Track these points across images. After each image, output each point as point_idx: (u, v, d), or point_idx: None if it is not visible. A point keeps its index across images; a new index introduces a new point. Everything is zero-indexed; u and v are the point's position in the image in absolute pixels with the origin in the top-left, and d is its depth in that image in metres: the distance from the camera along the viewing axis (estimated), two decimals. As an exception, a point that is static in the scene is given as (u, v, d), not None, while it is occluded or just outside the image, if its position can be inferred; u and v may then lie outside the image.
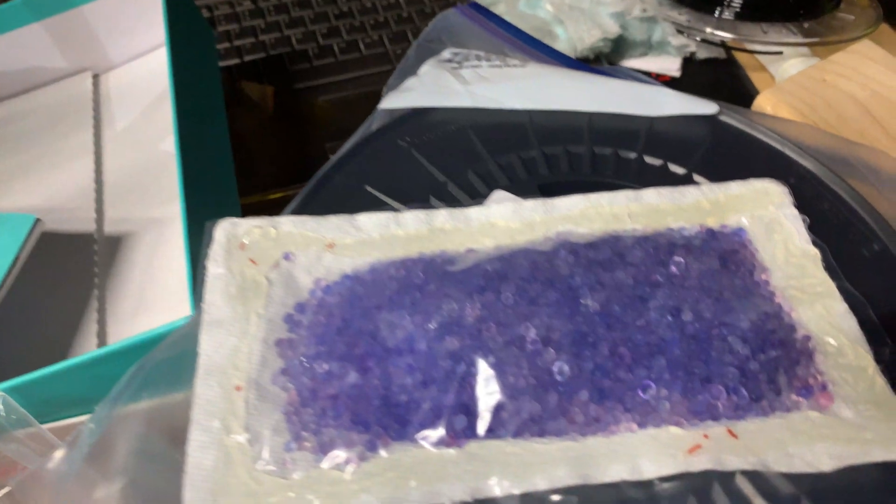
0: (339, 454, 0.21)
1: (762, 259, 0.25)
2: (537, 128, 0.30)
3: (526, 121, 0.30)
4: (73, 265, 0.39)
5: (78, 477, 0.23)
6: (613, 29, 0.55)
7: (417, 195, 0.27)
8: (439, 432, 0.21)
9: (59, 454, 0.23)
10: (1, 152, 0.44)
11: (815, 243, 0.25)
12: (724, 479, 0.21)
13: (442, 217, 0.26)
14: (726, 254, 0.24)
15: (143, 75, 0.46)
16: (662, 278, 0.23)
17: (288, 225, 0.25)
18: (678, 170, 0.28)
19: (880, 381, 0.22)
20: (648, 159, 0.29)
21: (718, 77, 0.56)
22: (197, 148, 0.37)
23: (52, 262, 0.39)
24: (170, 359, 0.24)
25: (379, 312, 0.23)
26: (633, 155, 0.29)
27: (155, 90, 0.45)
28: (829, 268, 0.24)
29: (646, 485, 0.21)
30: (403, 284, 0.24)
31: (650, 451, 0.20)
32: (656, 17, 0.55)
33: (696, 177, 0.28)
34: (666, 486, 0.21)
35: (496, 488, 0.20)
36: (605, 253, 0.24)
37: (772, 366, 0.22)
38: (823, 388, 0.22)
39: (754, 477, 0.21)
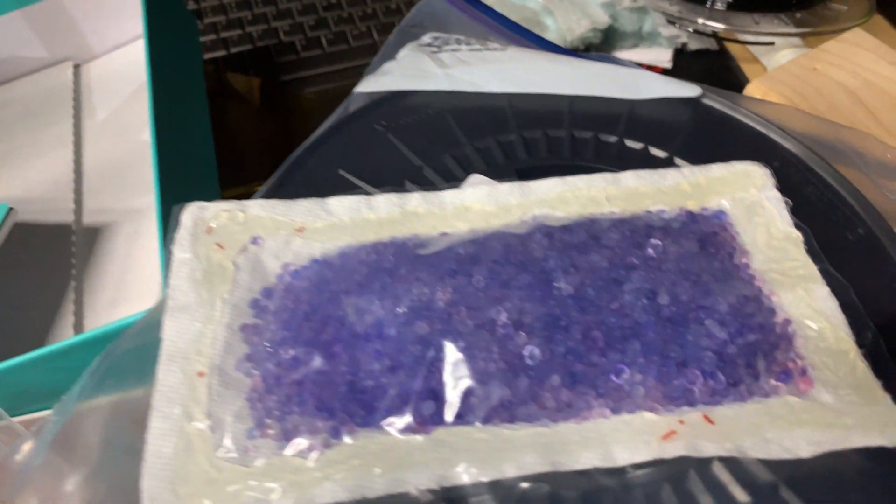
0: (302, 441, 0.20)
1: (743, 242, 0.24)
2: (517, 112, 0.29)
3: (505, 105, 0.29)
4: (50, 256, 0.38)
5: (43, 467, 0.22)
6: (603, 19, 0.54)
7: (392, 179, 0.27)
8: (406, 419, 0.20)
9: (26, 446, 0.23)
10: (-20, 143, 0.43)
11: (797, 226, 0.24)
12: (701, 466, 0.20)
13: (415, 200, 0.25)
14: (705, 236, 0.23)
15: (125, 65, 0.46)
16: (639, 261, 0.22)
17: (257, 209, 0.25)
18: (659, 153, 0.28)
19: (861, 366, 0.21)
20: (629, 143, 0.28)
21: (710, 68, 0.56)
22: (175, 139, 0.36)
23: (29, 253, 0.38)
24: (136, 347, 0.23)
25: (347, 297, 0.22)
26: (613, 139, 0.28)
27: (136, 80, 0.45)
28: (811, 251, 0.24)
29: (619, 472, 0.20)
30: (373, 269, 0.23)
31: (623, 437, 0.20)
32: (647, 7, 0.54)
33: (678, 160, 0.27)
34: (640, 473, 0.20)
35: (463, 475, 0.19)
36: (581, 236, 0.23)
37: (750, 350, 0.21)
38: (803, 372, 0.21)
39: (731, 464, 0.20)
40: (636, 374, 0.20)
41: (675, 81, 0.30)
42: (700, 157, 0.27)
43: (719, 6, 0.55)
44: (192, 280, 0.23)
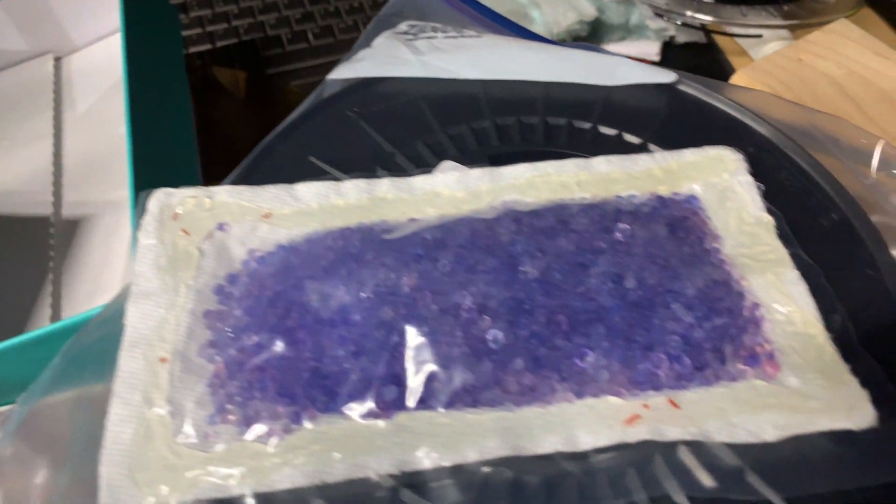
0: (263, 426, 0.20)
1: (714, 227, 0.24)
2: (491, 98, 0.29)
3: (479, 91, 0.29)
4: (28, 248, 0.38)
5: (9, 459, 0.22)
6: (590, 11, 0.54)
7: (364, 166, 0.26)
8: (368, 404, 0.20)
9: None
10: (-41, 136, 0.43)
11: (770, 211, 0.24)
12: (667, 450, 0.20)
13: (384, 186, 0.25)
14: (675, 221, 0.23)
15: (106, 58, 0.46)
16: (606, 245, 0.22)
17: (224, 195, 0.25)
18: (633, 139, 0.27)
19: (829, 350, 0.21)
20: (603, 129, 0.28)
21: (699, 62, 0.55)
22: (152, 132, 0.36)
23: (6, 246, 0.38)
24: (103, 336, 0.23)
25: (313, 283, 0.22)
26: (587, 125, 0.28)
27: (117, 73, 0.44)
28: (783, 236, 0.24)
29: (583, 457, 0.20)
30: (340, 254, 0.23)
31: (587, 421, 0.20)
32: (634, -1, 0.54)
33: (652, 146, 0.27)
34: (605, 458, 0.20)
35: (425, 460, 0.19)
36: (549, 220, 0.23)
37: (717, 334, 0.21)
38: (771, 356, 0.21)
39: (698, 449, 0.20)
40: (601, 358, 0.20)
41: (651, 68, 0.29)
42: (674, 142, 0.27)
43: (707, -2, 0.55)
44: (156, 266, 0.23)
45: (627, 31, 0.56)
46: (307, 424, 0.20)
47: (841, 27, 0.47)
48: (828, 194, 0.26)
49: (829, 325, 0.21)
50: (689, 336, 0.21)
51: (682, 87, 0.29)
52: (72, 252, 0.38)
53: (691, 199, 0.24)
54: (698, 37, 0.56)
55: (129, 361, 0.21)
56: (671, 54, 0.55)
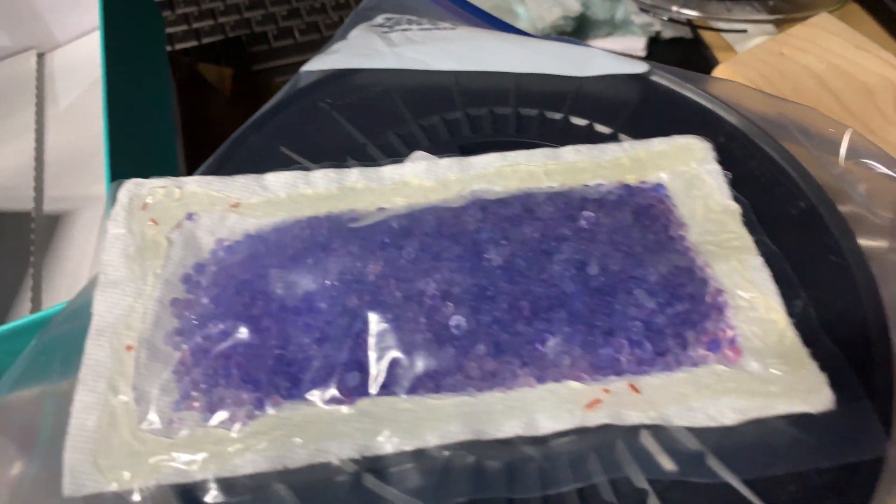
0: (226, 413, 0.20)
1: (681, 215, 0.24)
2: (463, 90, 0.29)
3: (452, 83, 0.29)
4: (8, 244, 0.38)
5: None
6: (574, 7, 0.54)
7: (335, 157, 0.26)
8: (331, 390, 0.20)
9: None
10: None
11: (736, 199, 0.24)
12: (629, 435, 0.20)
13: (354, 176, 0.25)
14: (641, 209, 0.23)
15: (88, 54, 0.46)
16: (570, 232, 0.22)
17: (193, 185, 0.25)
18: (604, 130, 0.28)
19: (790, 335, 0.21)
20: (574, 120, 0.28)
21: (684, 57, 0.55)
22: (131, 128, 0.36)
23: (-13, 241, 0.38)
24: (72, 327, 0.23)
25: (279, 271, 0.22)
26: (558, 116, 0.28)
27: (99, 69, 0.44)
28: (749, 223, 0.24)
29: (546, 442, 0.20)
30: (307, 243, 0.23)
31: (548, 406, 0.20)
32: (619, -7, 0.54)
33: (623, 136, 0.27)
34: (567, 442, 0.20)
35: (386, 445, 0.19)
36: (515, 208, 0.23)
37: (679, 320, 0.21)
38: (732, 342, 0.21)
39: (659, 433, 0.20)
40: (562, 344, 0.20)
41: (622, 58, 0.29)
42: (645, 133, 0.27)
43: (692, -7, 0.55)
44: (124, 255, 0.23)
45: (613, 27, 0.56)
46: (270, 411, 0.20)
47: (822, 21, 0.47)
48: (796, 183, 0.26)
49: (792, 311, 0.22)
50: (651, 322, 0.21)
51: (653, 78, 0.29)
52: (52, 247, 0.38)
53: (658, 188, 0.24)
54: (684, 32, 0.56)
55: (95, 349, 0.21)
56: (657, 50, 0.55)
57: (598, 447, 0.20)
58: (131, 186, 0.25)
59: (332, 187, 0.25)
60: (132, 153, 0.35)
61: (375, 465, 0.20)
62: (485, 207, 0.23)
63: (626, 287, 0.21)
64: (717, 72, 0.46)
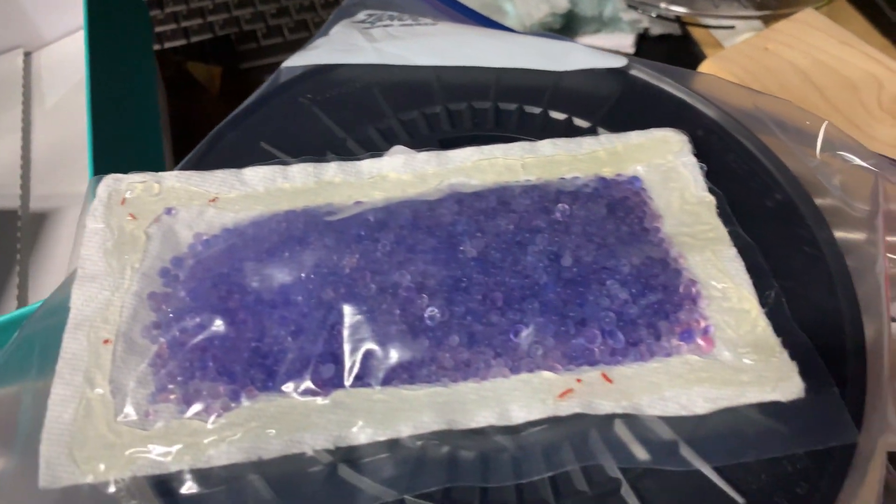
0: (202, 405, 0.20)
1: (656, 207, 0.24)
2: (443, 85, 0.29)
3: (432, 78, 0.29)
4: (-6, 242, 0.38)
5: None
6: (562, 4, 0.54)
7: (315, 151, 0.27)
8: (306, 382, 0.20)
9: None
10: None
11: (712, 191, 0.24)
12: (603, 425, 0.20)
13: (332, 170, 0.25)
14: (616, 201, 0.23)
15: (75, 53, 0.46)
16: (545, 224, 0.22)
17: (172, 180, 0.25)
18: (583, 123, 0.28)
19: (762, 324, 0.21)
20: (553, 114, 0.28)
21: (673, 53, 0.56)
22: (115, 126, 0.36)
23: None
24: (50, 323, 0.23)
25: (256, 265, 0.22)
26: (538, 110, 0.28)
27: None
28: (723, 215, 0.24)
29: (519, 432, 0.20)
30: (283, 237, 0.23)
31: (520, 396, 0.20)
32: (607, -9, 0.54)
33: (601, 130, 0.27)
34: (539, 431, 0.20)
35: (360, 435, 0.19)
36: (491, 201, 0.23)
37: (652, 310, 0.21)
38: (705, 332, 0.21)
39: (632, 423, 0.20)
40: (535, 334, 0.20)
41: (601, 52, 0.30)
42: (624, 126, 0.27)
43: (680, -11, 0.55)
44: (103, 250, 0.23)
45: (601, 24, 0.56)
46: (246, 402, 0.20)
47: (807, 17, 0.47)
48: (772, 175, 0.26)
49: (765, 301, 0.22)
50: (624, 312, 0.21)
51: (632, 72, 0.29)
52: (39, 244, 0.38)
53: (633, 180, 0.24)
54: (672, 28, 0.57)
55: (72, 343, 0.21)
56: (646, 46, 0.55)
57: (572, 436, 0.20)
58: (110, 182, 0.25)
59: (310, 181, 0.25)
60: (116, 151, 0.35)
61: (350, 456, 0.20)
62: (461, 200, 0.23)
63: (599, 278, 0.21)
64: (703, 67, 0.46)
